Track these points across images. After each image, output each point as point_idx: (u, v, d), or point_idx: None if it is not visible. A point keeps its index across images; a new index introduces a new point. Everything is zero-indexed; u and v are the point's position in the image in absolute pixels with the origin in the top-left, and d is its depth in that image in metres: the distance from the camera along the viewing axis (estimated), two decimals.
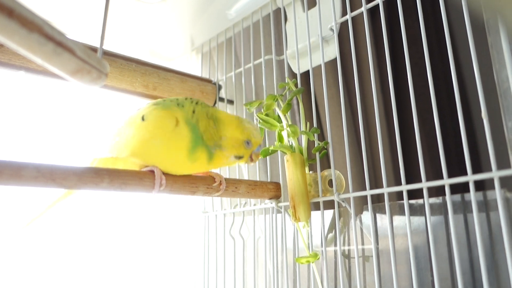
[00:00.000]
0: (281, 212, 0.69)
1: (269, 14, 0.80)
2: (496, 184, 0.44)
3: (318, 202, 0.63)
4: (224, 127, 0.54)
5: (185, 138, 0.51)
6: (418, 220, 0.62)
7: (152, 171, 0.52)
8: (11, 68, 0.62)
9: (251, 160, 0.58)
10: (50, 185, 0.42)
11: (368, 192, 0.56)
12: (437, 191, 0.62)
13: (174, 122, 0.51)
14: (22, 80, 0.79)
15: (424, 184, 0.50)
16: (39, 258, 0.80)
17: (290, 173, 0.62)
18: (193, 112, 0.53)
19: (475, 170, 0.46)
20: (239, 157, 0.56)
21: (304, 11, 0.72)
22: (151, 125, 0.51)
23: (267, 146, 0.69)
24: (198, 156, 0.52)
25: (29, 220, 0.55)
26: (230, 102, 0.89)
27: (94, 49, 0.61)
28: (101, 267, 0.88)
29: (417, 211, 0.62)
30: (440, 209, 0.60)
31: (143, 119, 0.52)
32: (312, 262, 0.61)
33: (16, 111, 0.81)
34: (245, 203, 0.76)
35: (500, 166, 0.44)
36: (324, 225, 0.62)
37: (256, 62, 0.80)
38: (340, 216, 0.69)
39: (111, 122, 0.59)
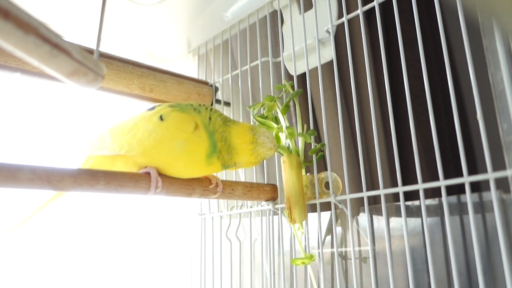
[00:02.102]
0: (277, 214, 0.69)
1: (265, 16, 0.80)
2: (492, 185, 0.44)
3: (315, 204, 0.63)
4: (238, 155, 0.53)
5: (204, 143, 0.52)
6: (414, 221, 0.62)
7: (148, 173, 0.52)
8: (7, 70, 0.61)
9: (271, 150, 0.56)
10: (46, 187, 0.42)
11: (365, 194, 0.56)
12: (433, 193, 0.62)
13: (193, 125, 0.51)
14: (18, 82, 0.78)
15: (420, 186, 0.50)
16: (34, 259, 0.80)
17: (287, 174, 0.63)
18: (210, 118, 0.53)
19: (471, 172, 0.46)
20: None
21: (300, 13, 0.72)
22: (171, 126, 0.51)
23: None
24: (214, 161, 0.53)
25: (13, 225, 0.55)
26: (227, 104, 0.89)
27: (90, 51, 0.61)
28: (97, 269, 0.88)
29: (413, 212, 0.62)
30: (436, 211, 0.60)
31: (161, 119, 0.52)
32: (308, 264, 0.61)
33: (12, 113, 0.81)
34: (242, 205, 0.76)
35: (495, 168, 0.44)
36: (320, 227, 0.62)
37: (253, 64, 0.80)
38: (337, 218, 0.69)
39: (110, 121, 0.59)
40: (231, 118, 0.58)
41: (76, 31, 0.85)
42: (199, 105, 0.55)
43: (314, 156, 0.64)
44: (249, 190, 0.64)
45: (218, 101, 0.88)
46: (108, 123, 0.59)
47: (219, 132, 0.53)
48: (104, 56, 0.71)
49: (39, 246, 0.81)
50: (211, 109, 0.55)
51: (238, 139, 0.53)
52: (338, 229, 0.70)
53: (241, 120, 0.81)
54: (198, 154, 0.52)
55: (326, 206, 0.65)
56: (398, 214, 0.64)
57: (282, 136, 0.65)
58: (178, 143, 0.51)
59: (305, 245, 0.63)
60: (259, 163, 0.55)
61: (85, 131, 0.86)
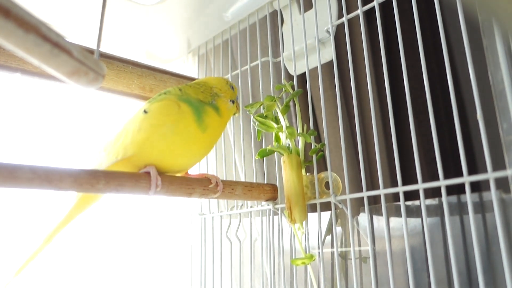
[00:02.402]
0: (278, 214, 0.69)
1: (265, 16, 0.80)
2: (492, 185, 0.44)
3: (315, 204, 0.63)
4: (208, 82, 0.60)
5: (188, 113, 0.54)
6: (414, 221, 0.62)
7: (148, 172, 0.52)
8: (7, 70, 0.61)
9: (237, 109, 0.63)
10: (46, 186, 0.42)
11: (365, 194, 0.56)
12: (433, 193, 0.62)
13: (177, 106, 0.53)
14: (18, 82, 0.78)
15: (420, 186, 0.50)
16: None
17: (287, 174, 0.63)
18: (180, 90, 0.57)
19: (471, 171, 0.46)
20: (232, 101, 0.61)
21: (300, 13, 0.72)
22: (156, 114, 0.53)
23: (264, 147, 0.69)
24: (208, 121, 0.55)
25: (18, 269, 0.54)
26: None
27: (90, 51, 0.61)
28: (97, 269, 0.88)
29: (413, 212, 0.62)
30: (436, 211, 0.60)
31: (145, 112, 0.54)
32: (308, 264, 0.61)
33: (12, 113, 0.81)
34: (242, 205, 0.76)
35: (495, 167, 0.44)
36: (321, 227, 0.62)
37: (253, 64, 0.80)
38: (337, 218, 0.69)
39: (102, 134, 0.60)
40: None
41: (76, 31, 0.85)
42: (167, 89, 0.59)
43: (314, 156, 0.64)
44: (249, 189, 0.64)
45: None
46: (101, 142, 0.60)
47: (191, 89, 0.57)
48: (104, 56, 0.71)
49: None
50: (178, 85, 0.60)
51: (205, 78, 0.62)
52: (338, 229, 0.71)
53: (241, 121, 0.81)
54: (189, 127, 0.53)
55: (326, 206, 0.65)
56: (398, 214, 0.64)
57: (282, 136, 0.65)
58: (167, 128, 0.52)
59: (305, 245, 0.63)
60: (229, 85, 0.61)
61: (86, 137, 0.86)
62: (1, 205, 0.77)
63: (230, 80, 0.82)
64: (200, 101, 0.56)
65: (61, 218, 0.55)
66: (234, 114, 0.63)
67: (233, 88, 0.61)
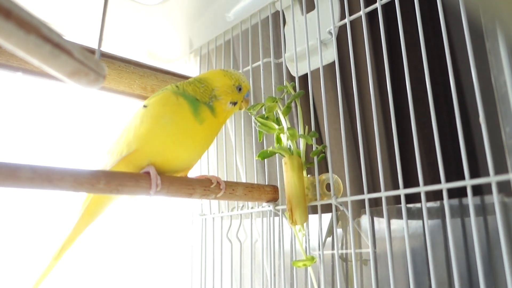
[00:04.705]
0: (278, 215, 0.69)
1: (267, 17, 0.80)
2: (494, 188, 0.44)
3: (316, 206, 0.63)
4: (212, 80, 0.59)
5: (184, 105, 0.55)
6: (415, 224, 0.62)
7: (148, 172, 0.52)
8: (8, 70, 0.61)
9: (242, 106, 0.62)
10: (46, 186, 0.42)
11: (366, 196, 0.56)
12: (435, 195, 0.62)
13: (175, 97, 0.55)
14: (20, 81, 0.78)
15: (421, 189, 0.50)
16: (33, 258, 0.80)
17: (288, 176, 0.62)
18: (177, 86, 0.58)
19: (473, 175, 0.46)
20: (234, 103, 0.60)
21: (302, 14, 0.72)
22: (155, 106, 0.55)
23: (265, 148, 0.69)
24: (204, 116, 0.56)
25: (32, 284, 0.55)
26: None
27: (92, 51, 0.61)
28: (98, 269, 0.87)
29: (414, 215, 0.62)
30: (438, 213, 0.60)
31: (145, 106, 0.56)
32: (309, 266, 0.61)
33: (13, 113, 0.81)
34: (243, 206, 0.76)
35: (497, 171, 0.44)
36: (321, 229, 0.62)
37: (255, 65, 0.80)
38: (337, 220, 0.69)
39: (104, 134, 0.60)
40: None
41: (78, 31, 0.85)
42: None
43: (315, 157, 0.64)
44: (250, 190, 0.64)
45: None
46: (103, 147, 0.60)
47: (187, 85, 0.58)
48: (105, 56, 0.71)
49: (39, 245, 0.81)
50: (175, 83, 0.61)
51: (210, 75, 0.60)
52: (339, 231, 0.70)
53: (242, 121, 0.80)
54: (186, 118, 0.55)
55: (327, 208, 0.65)
56: (399, 216, 0.63)
57: (284, 137, 0.65)
58: (167, 118, 0.54)
59: (306, 247, 0.63)
60: (235, 87, 0.59)
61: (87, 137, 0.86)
62: (2, 206, 0.77)
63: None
64: (196, 99, 0.57)
65: (67, 234, 0.56)
66: (240, 109, 0.62)
67: (240, 89, 0.60)
